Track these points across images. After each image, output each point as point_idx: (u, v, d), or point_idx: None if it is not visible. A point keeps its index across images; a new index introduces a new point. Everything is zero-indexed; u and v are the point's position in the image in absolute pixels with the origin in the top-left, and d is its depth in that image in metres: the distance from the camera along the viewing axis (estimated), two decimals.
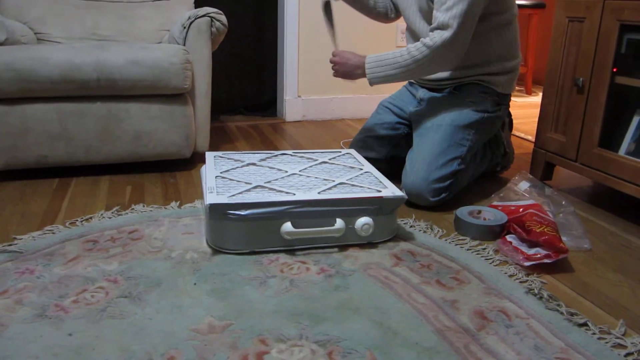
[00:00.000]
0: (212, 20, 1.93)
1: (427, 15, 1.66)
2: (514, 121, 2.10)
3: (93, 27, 2.16)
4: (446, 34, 1.52)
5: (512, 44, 1.70)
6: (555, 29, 1.77)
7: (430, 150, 1.62)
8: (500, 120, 1.77)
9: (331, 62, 1.72)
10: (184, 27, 1.92)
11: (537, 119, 1.89)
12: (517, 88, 4.13)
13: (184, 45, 1.92)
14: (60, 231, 1.40)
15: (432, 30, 1.56)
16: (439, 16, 1.53)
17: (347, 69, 1.68)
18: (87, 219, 1.48)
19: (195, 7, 2.29)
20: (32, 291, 1.10)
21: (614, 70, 1.57)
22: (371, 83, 1.66)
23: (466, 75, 1.70)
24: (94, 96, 1.78)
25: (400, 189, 1.53)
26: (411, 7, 1.73)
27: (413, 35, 1.78)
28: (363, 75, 1.66)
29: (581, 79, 1.66)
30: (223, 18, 1.95)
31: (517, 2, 3.69)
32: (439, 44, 1.53)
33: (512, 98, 3.63)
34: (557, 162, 1.80)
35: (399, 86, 2.02)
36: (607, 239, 1.46)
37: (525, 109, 3.13)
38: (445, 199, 1.62)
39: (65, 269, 1.20)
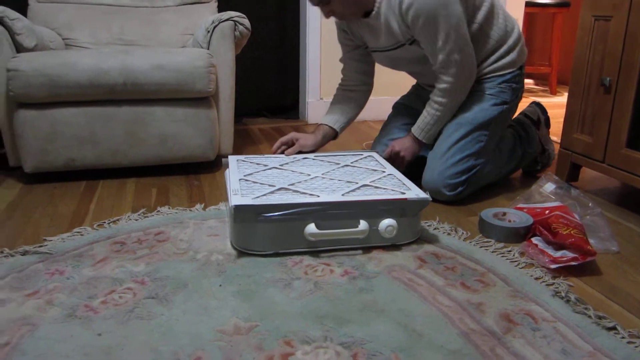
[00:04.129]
0: (235, 24, 1.94)
1: (420, 59, 1.69)
2: None
3: (119, 32, 2.20)
4: (453, 70, 1.59)
5: (505, 21, 1.70)
6: (581, 28, 1.74)
7: (448, 148, 1.66)
8: (516, 107, 1.78)
9: (394, 156, 1.74)
10: (208, 31, 1.94)
11: (562, 120, 1.86)
12: (541, 88, 4.08)
13: (208, 49, 1.94)
14: (89, 233, 1.42)
15: (438, 72, 1.62)
16: (438, 57, 1.58)
17: (411, 150, 1.73)
18: (114, 220, 1.51)
19: (219, 12, 2.31)
20: (62, 292, 1.13)
21: None
22: (428, 142, 1.73)
23: (483, 71, 1.70)
24: (120, 100, 1.81)
25: (423, 189, 1.53)
26: (399, 61, 1.76)
27: (410, 72, 1.86)
28: (420, 144, 1.72)
29: (608, 79, 1.63)
30: (246, 22, 1.97)
31: (541, 1, 3.64)
32: (454, 81, 1.60)
33: (537, 98, 3.58)
34: (584, 163, 1.77)
35: (409, 86, 2.02)
36: (635, 241, 1.44)
37: (550, 109, 3.07)
38: (463, 192, 1.65)
39: (94, 270, 1.22)
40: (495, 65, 1.69)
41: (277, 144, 1.77)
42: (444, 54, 1.56)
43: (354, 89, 1.87)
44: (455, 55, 1.56)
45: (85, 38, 2.16)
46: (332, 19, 1.77)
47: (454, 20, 1.53)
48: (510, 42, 1.70)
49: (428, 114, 1.67)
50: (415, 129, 1.70)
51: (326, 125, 1.83)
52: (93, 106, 1.79)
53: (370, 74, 1.89)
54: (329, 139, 1.85)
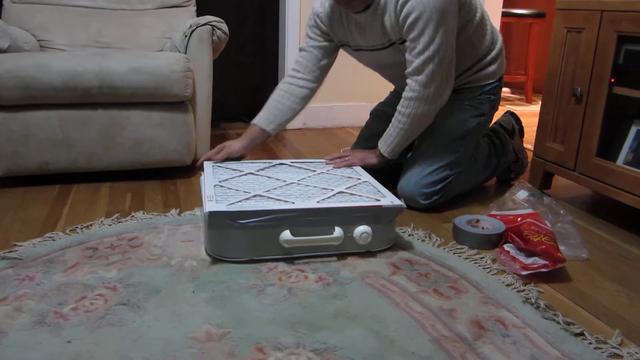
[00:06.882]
0: (213, 29, 1.94)
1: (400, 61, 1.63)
2: None
3: (96, 34, 2.18)
4: (423, 78, 1.53)
5: (492, 33, 1.71)
6: (554, 39, 1.78)
7: (425, 157, 1.67)
8: (492, 118, 1.80)
9: (341, 157, 1.71)
10: (186, 36, 1.93)
11: (536, 128, 1.90)
12: (517, 97, 4.15)
13: (186, 53, 1.93)
14: (61, 238, 1.40)
15: (408, 77, 1.56)
16: (413, 61, 1.53)
17: (362, 155, 1.70)
18: (87, 226, 1.49)
19: (198, 16, 2.30)
20: (31, 298, 1.11)
21: (612, 80, 1.58)
22: (392, 157, 1.68)
23: (464, 81, 1.72)
24: (95, 103, 1.79)
25: (398, 196, 1.54)
26: (385, 64, 1.72)
27: (394, 77, 1.82)
28: (381, 157, 1.68)
29: (579, 89, 1.67)
30: (224, 27, 1.97)
31: (517, 11, 3.71)
32: (421, 90, 1.54)
33: (513, 107, 3.64)
34: (556, 172, 1.81)
35: (387, 92, 2.03)
36: (605, 248, 1.47)
37: (526, 118, 3.13)
38: (438, 200, 1.67)
39: (65, 276, 1.20)
40: (477, 75, 1.71)
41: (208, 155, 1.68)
42: (420, 60, 1.51)
43: (302, 85, 1.75)
44: (431, 66, 1.51)
45: (61, 40, 2.14)
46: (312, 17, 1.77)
47: (443, 30, 1.48)
48: (493, 54, 1.71)
49: (391, 125, 1.62)
50: (380, 142, 1.67)
51: (257, 126, 1.73)
52: (68, 109, 1.77)
53: (325, 71, 1.78)
54: (260, 142, 1.75)
